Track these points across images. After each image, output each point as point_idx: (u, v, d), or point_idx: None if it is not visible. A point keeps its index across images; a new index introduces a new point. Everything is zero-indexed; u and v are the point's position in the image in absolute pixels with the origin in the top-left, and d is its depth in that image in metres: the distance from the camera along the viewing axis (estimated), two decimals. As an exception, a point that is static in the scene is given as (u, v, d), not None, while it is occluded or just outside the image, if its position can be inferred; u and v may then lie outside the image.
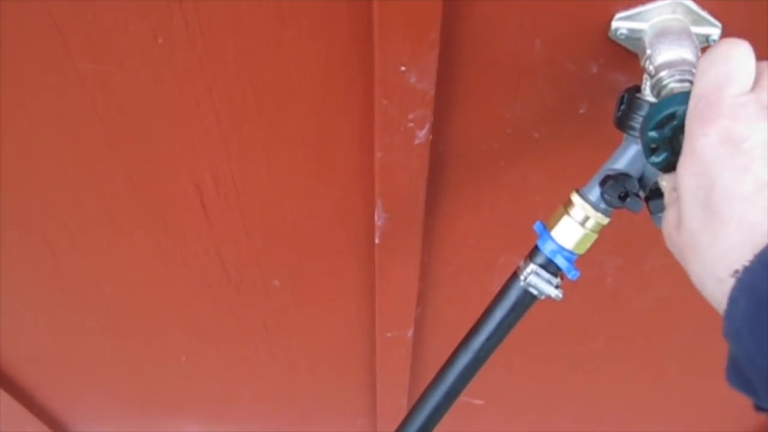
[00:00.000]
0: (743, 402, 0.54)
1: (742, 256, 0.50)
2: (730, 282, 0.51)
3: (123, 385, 1.62)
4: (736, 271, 0.50)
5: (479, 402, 1.53)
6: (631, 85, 0.74)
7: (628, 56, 0.74)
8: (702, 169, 0.53)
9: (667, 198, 0.65)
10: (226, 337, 1.37)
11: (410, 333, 1.23)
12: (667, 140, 0.61)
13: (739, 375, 0.52)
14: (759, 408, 0.53)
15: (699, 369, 1.39)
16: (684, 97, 0.59)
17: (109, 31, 0.77)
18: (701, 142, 0.53)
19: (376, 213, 0.94)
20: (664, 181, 0.65)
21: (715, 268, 0.53)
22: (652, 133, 0.61)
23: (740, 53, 0.56)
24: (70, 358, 1.50)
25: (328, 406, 1.65)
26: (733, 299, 0.50)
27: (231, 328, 1.33)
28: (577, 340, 1.32)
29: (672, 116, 0.59)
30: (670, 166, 0.63)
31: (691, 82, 0.64)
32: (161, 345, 1.42)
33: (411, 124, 0.79)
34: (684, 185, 0.56)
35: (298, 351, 1.40)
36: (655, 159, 0.62)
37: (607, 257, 1.08)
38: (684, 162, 0.56)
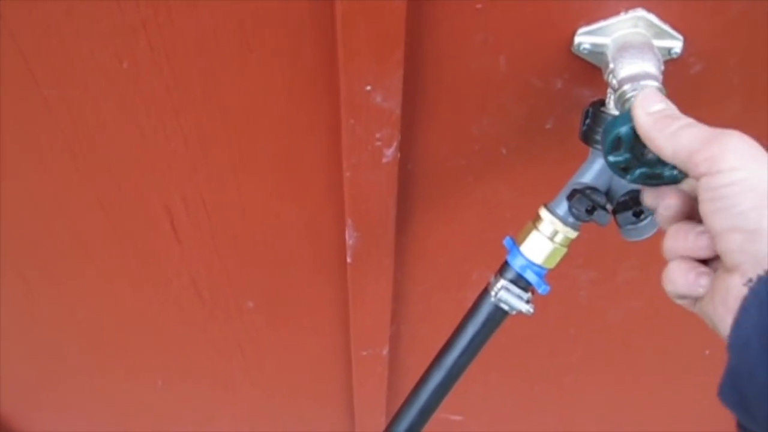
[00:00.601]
0: (718, 412, 0.54)
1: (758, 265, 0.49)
2: (743, 291, 0.49)
3: (100, 409, 1.61)
4: (750, 280, 0.49)
5: (457, 418, 1.53)
6: (595, 99, 0.75)
7: (592, 70, 0.74)
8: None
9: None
10: (202, 360, 1.36)
11: (385, 351, 1.23)
12: (631, 157, 0.62)
13: (735, 391, 0.50)
14: (743, 428, 0.51)
15: (675, 378, 1.39)
16: (623, 118, 0.60)
17: (73, 57, 0.77)
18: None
19: (347, 232, 0.94)
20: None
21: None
22: (612, 158, 0.62)
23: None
24: (46, 384, 1.49)
25: (306, 427, 1.64)
26: (745, 308, 0.49)
27: (206, 351, 1.32)
28: (554, 353, 1.32)
29: (619, 140, 0.60)
30: (650, 179, 0.63)
31: None
32: (137, 369, 1.41)
33: (378, 143, 0.79)
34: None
35: (275, 372, 1.40)
36: (631, 177, 0.63)
37: (580, 271, 1.08)
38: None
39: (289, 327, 1.25)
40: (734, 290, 0.51)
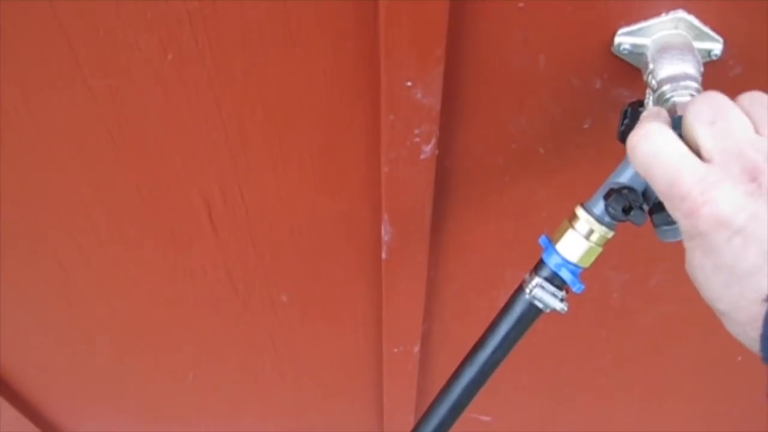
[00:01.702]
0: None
1: None
2: (764, 307, 0.50)
3: (130, 400, 1.62)
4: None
5: (486, 418, 1.53)
6: (634, 99, 0.75)
7: (631, 71, 0.74)
8: (713, 261, 0.53)
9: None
10: (234, 353, 1.37)
11: (417, 348, 1.23)
12: None
13: None
14: None
15: (707, 383, 1.39)
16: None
17: (119, 47, 0.78)
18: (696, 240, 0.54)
19: (382, 228, 0.94)
20: None
21: (743, 297, 0.52)
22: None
23: (660, 140, 0.56)
24: (78, 373, 1.50)
25: (335, 424, 1.65)
26: None
27: (238, 344, 1.33)
28: (584, 356, 1.32)
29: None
30: None
31: (692, 96, 0.65)
32: (169, 361, 1.42)
33: (417, 139, 0.80)
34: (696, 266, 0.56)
35: (305, 367, 1.41)
36: None
37: (613, 273, 1.08)
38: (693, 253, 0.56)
39: (321, 322, 1.26)
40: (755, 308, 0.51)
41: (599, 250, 0.74)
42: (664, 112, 0.61)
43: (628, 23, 0.71)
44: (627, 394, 1.44)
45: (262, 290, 1.17)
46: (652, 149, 0.56)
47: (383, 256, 0.99)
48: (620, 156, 0.72)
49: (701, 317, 1.11)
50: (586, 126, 0.83)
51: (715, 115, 0.55)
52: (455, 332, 1.25)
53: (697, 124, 0.55)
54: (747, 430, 1.50)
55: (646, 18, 0.70)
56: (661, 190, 0.56)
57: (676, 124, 0.60)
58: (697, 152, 0.55)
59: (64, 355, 1.43)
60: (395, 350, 1.24)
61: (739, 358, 1.25)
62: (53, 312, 1.28)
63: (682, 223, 0.55)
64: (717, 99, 0.56)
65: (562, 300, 0.76)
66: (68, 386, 1.57)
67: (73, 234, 1.07)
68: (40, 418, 1.69)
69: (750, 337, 0.53)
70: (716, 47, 0.72)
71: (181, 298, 1.20)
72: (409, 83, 0.73)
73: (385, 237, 0.95)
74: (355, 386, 1.47)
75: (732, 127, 0.54)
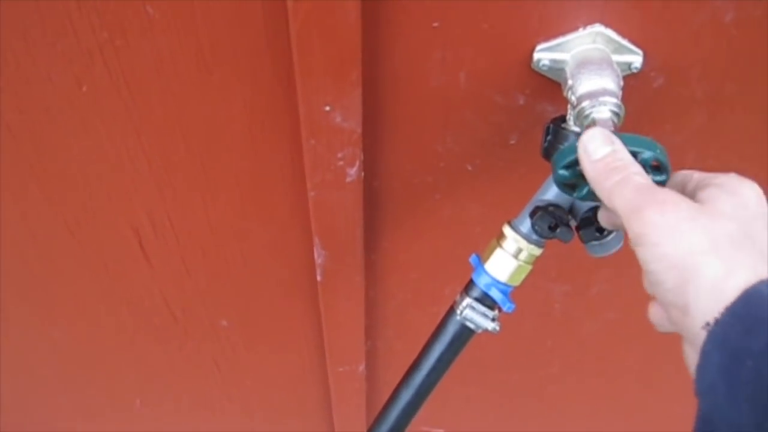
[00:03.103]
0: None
1: (714, 309, 0.48)
2: (702, 335, 0.49)
3: (82, 429, 1.59)
4: (707, 324, 0.48)
5: (438, 431, 1.52)
6: (558, 115, 0.74)
7: (553, 86, 0.74)
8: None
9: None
10: (180, 379, 1.35)
11: (362, 367, 1.22)
12: (580, 175, 0.61)
13: None
14: None
15: (655, 388, 1.39)
16: (647, 143, 0.59)
17: (32, 81, 0.77)
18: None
19: (315, 251, 0.93)
20: None
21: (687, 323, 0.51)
22: (563, 172, 0.61)
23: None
24: (25, 405, 1.48)
25: (287, 445, 1.64)
26: (706, 352, 0.48)
27: (184, 370, 1.31)
28: (533, 366, 1.32)
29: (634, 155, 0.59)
30: (594, 196, 0.63)
31: (613, 112, 0.64)
32: (115, 389, 1.40)
33: (341, 163, 0.79)
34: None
35: (253, 390, 1.39)
36: (578, 194, 0.63)
37: (554, 284, 1.08)
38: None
39: (264, 345, 1.24)
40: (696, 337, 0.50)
41: (529, 268, 0.74)
42: None
43: (546, 39, 0.71)
44: (577, 401, 1.44)
45: (202, 316, 1.16)
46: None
47: (318, 278, 0.98)
48: (548, 171, 0.71)
49: (644, 324, 1.11)
50: (512, 142, 0.83)
51: None
52: (400, 350, 1.24)
53: None
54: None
55: (563, 33, 0.70)
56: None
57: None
58: None
59: (9, 388, 1.41)
60: (340, 369, 1.22)
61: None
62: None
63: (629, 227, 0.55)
64: None
65: (493, 320, 0.76)
66: (17, 418, 1.55)
67: (4, 270, 1.05)
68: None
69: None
70: (636, 60, 0.71)
71: (121, 327, 1.19)
72: (327, 108, 0.72)
73: (319, 260, 0.94)
74: (305, 406, 1.46)
75: None
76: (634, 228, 0.53)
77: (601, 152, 0.58)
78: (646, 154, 0.59)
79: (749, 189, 0.55)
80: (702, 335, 0.49)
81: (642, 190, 0.54)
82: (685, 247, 0.50)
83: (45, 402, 1.46)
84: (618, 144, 0.58)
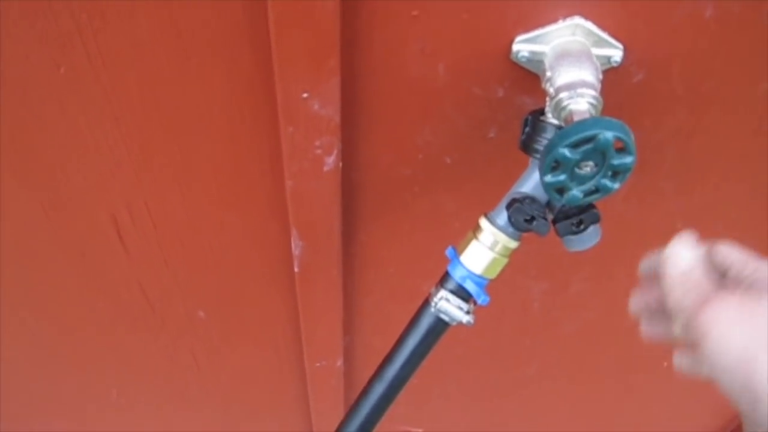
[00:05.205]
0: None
1: None
2: None
3: (58, 420, 1.58)
4: None
5: (418, 430, 1.51)
6: (536, 107, 0.74)
7: (532, 79, 0.73)
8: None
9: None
10: (157, 371, 1.34)
11: (340, 362, 1.22)
12: (573, 163, 0.60)
13: None
14: None
15: (633, 389, 1.39)
16: (608, 123, 0.58)
17: (10, 60, 0.76)
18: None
19: (292, 242, 0.93)
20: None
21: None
22: (564, 151, 0.60)
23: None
24: (4, 392, 1.47)
25: (265, 439, 1.63)
26: None
27: (160, 362, 1.31)
28: (510, 365, 1.31)
29: (591, 139, 0.59)
30: (561, 190, 0.63)
31: (590, 104, 0.64)
32: (91, 378, 1.39)
33: (319, 151, 0.78)
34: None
35: (230, 382, 1.38)
36: (551, 178, 0.62)
37: (533, 282, 1.07)
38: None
39: (241, 337, 1.24)
40: None
41: (504, 261, 0.74)
42: None
43: (526, 30, 0.70)
44: (555, 401, 1.44)
45: (179, 307, 1.15)
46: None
47: (295, 269, 0.98)
48: (527, 165, 0.71)
49: (623, 324, 1.11)
50: (491, 135, 0.82)
51: None
52: (378, 345, 1.23)
53: None
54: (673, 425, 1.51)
55: (543, 25, 0.70)
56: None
57: (573, 129, 0.59)
58: None
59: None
60: (317, 365, 1.22)
61: (665, 364, 1.25)
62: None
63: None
64: None
65: (468, 312, 0.75)
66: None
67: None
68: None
69: None
70: (616, 54, 0.71)
71: (97, 315, 1.18)
72: (305, 95, 0.72)
73: (296, 251, 0.94)
74: (282, 400, 1.45)
75: None
76: (695, 325, 0.56)
77: (688, 266, 0.60)
78: (608, 134, 0.58)
79: None
80: None
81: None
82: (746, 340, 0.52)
83: (18, 392, 1.45)
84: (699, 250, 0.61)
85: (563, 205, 0.70)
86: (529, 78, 0.74)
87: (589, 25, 0.69)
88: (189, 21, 0.71)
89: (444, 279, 0.76)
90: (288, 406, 1.47)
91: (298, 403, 1.44)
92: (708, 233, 0.63)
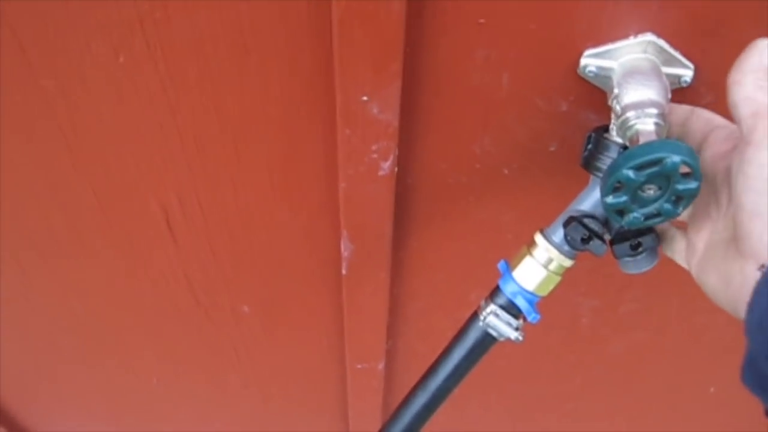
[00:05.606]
0: None
1: None
2: (756, 275, 0.51)
3: (97, 403, 1.60)
4: (763, 266, 0.51)
5: (455, 438, 1.51)
6: (600, 124, 0.72)
7: (598, 94, 0.72)
8: None
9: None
10: (197, 361, 1.34)
11: (381, 365, 1.21)
12: (637, 185, 0.58)
13: (756, 374, 0.51)
14: None
15: (678, 414, 1.36)
16: (676, 147, 0.56)
17: (70, 48, 0.76)
18: None
19: (342, 244, 0.92)
20: None
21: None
22: (628, 173, 0.58)
23: None
24: (44, 375, 1.49)
25: (301, 435, 1.63)
26: (758, 292, 0.50)
27: (202, 352, 1.31)
28: (553, 380, 1.30)
29: (657, 162, 0.56)
30: (622, 212, 0.61)
31: (657, 124, 0.62)
32: (132, 365, 1.40)
33: (375, 155, 0.77)
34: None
35: (270, 378, 1.38)
36: (612, 200, 0.60)
37: (582, 298, 1.06)
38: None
39: (284, 334, 1.23)
40: (749, 278, 0.52)
41: (558, 279, 0.72)
42: None
43: (595, 45, 0.68)
44: (595, 420, 1.42)
45: (224, 300, 1.15)
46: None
47: (343, 271, 0.97)
48: (587, 182, 0.69)
49: (673, 347, 1.09)
50: (552, 149, 0.81)
51: None
52: (421, 351, 1.22)
53: None
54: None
55: (613, 40, 0.68)
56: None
57: (640, 151, 0.57)
58: None
59: (29, 359, 1.42)
60: (359, 366, 1.21)
61: (712, 389, 1.23)
62: (15, 315, 1.26)
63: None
64: None
65: (517, 329, 0.74)
66: (35, 389, 1.56)
67: (32, 236, 1.05)
68: (10, 422, 1.66)
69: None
70: (687, 74, 0.69)
71: (142, 304, 1.18)
72: (365, 98, 0.71)
73: (345, 253, 0.93)
74: (320, 399, 1.45)
75: None
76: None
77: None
78: (675, 159, 0.56)
79: None
80: (756, 275, 0.51)
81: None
82: None
83: (62, 373, 1.47)
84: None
85: (621, 227, 0.69)
86: (595, 93, 0.72)
87: (662, 43, 0.67)
88: (252, 17, 0.71)
89: (494, 293, 0.75)
90: (326, 406, 1.46)
91: (336, 403, 1.43)
92: None
